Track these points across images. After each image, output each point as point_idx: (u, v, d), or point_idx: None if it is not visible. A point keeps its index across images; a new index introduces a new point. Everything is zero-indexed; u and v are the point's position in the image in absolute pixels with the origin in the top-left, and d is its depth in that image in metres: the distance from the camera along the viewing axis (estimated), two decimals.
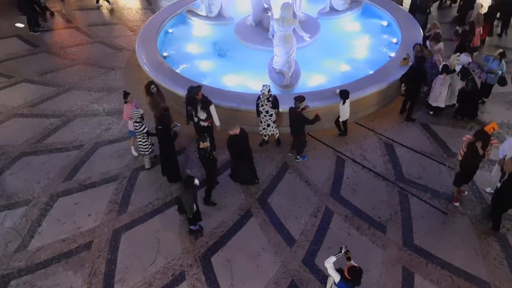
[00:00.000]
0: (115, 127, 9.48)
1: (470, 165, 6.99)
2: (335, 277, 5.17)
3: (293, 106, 7.81)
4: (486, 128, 6.87)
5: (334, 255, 5.29)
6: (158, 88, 8.60)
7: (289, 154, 8.55)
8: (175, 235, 7.08)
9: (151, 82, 8.60)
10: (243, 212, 7.43)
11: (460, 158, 6.99)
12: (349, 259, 5.28)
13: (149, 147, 8.06)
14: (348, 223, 7.16)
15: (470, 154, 6.81)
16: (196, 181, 6.44)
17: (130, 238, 7.09)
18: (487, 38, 12.33)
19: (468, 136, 6.96)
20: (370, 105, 9.52)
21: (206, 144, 6.90)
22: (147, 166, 8.33)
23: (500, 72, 9.22)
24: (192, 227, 6.98)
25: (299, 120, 7.85)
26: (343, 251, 5.28)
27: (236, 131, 7.25)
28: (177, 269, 6.57)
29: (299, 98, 7.81)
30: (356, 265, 5.13)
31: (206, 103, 8.00)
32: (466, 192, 7.58)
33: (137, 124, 7.77)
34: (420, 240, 6.84)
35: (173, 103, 9.44)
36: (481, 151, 6.73)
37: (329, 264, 5.24)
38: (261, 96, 8.03)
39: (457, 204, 7.39)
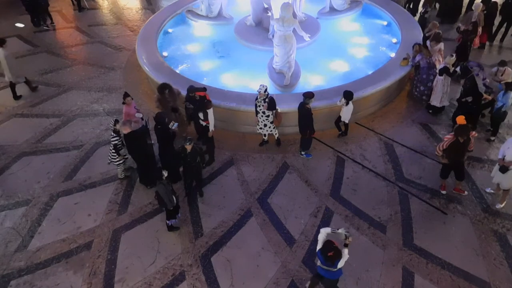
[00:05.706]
0: None
1: (456, 160, 7.17)
2: (318, 245, 5.35)
3: (302, 102, 7.80)
4: (460, 122, 6.85)
5: (331, 229, 5.46)
6: (172, 90, 8.33)
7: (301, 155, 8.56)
8: (175, 235, 7.08)
9: (167, 85, 8.28)
10: (243, 212, 7.43)
11: (440, 153, 7.14)
12: (345, 245, 5.40)
13: (119, 160, 7.74)
14: (348, 223, 7.16)
15: (455, 153, 6.98)
16: (164, 173, 6.54)
17: (130, 238, 7.08)
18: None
19: (448, 136, 7.01)
20: (370, 105, 9.52)
21: (190, 146, 6.95)
22: (119, 176, 8.08)
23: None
24: (168, 221, 6.99)
25: (308, 116, 7.84)
26: (340, 230, 5.44)
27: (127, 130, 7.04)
28: (177, 269, 6.56)
29: (309, 94, 7.78)
30: (335, 245, 5.20)
31: (202, 105, 7.94)
32: (466, 192, 7.59)
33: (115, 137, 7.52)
34: (420, 240, 6.84)
35: None
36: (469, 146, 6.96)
37: (324, 232, 5.42)
38: (258, 96, 8.03)
39: (444, 192, 7.58)
